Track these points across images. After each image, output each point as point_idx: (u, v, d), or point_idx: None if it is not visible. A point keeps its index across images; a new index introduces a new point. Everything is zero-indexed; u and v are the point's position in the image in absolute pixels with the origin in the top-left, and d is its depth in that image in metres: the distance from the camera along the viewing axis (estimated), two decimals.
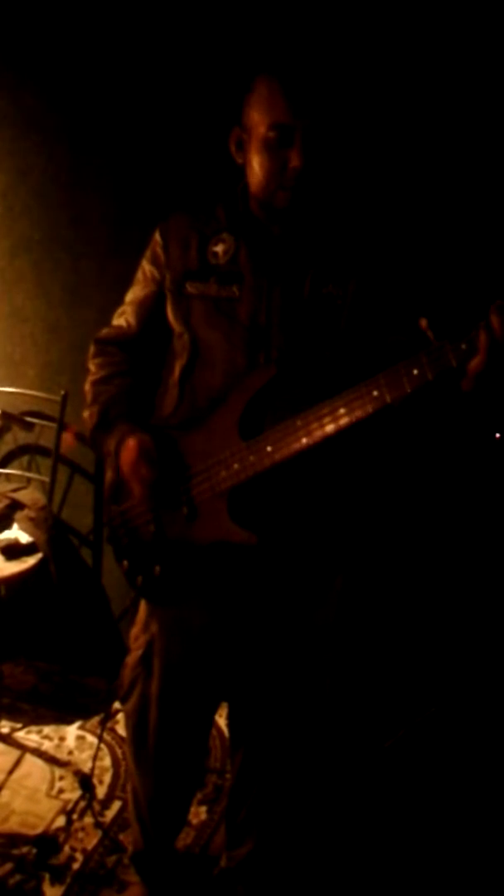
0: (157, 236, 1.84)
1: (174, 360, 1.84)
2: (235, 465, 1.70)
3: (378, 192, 2.48)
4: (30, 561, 2.68)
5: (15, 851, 2.32)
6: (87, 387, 1.92)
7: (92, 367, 1.93)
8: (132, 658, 1.96)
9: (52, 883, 2.24)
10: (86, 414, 1.90)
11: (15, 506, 2.85)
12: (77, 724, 2.83)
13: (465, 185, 2.45)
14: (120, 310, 1.95)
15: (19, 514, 2.82)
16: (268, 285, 1.74)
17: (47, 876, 2.26)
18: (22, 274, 3.00)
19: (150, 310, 1.87)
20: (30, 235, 2.96)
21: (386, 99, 2.44)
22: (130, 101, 2.72)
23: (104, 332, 1.96)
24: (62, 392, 2.86)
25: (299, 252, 1.74)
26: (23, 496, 2.90)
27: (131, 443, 1.75)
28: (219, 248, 1.77)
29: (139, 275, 1.90)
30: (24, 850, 2.33)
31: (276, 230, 1.74)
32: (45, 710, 2.90)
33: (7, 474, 3.08)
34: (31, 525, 2.78)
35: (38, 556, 2.69)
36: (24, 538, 2.72)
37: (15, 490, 2.93)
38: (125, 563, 1.86)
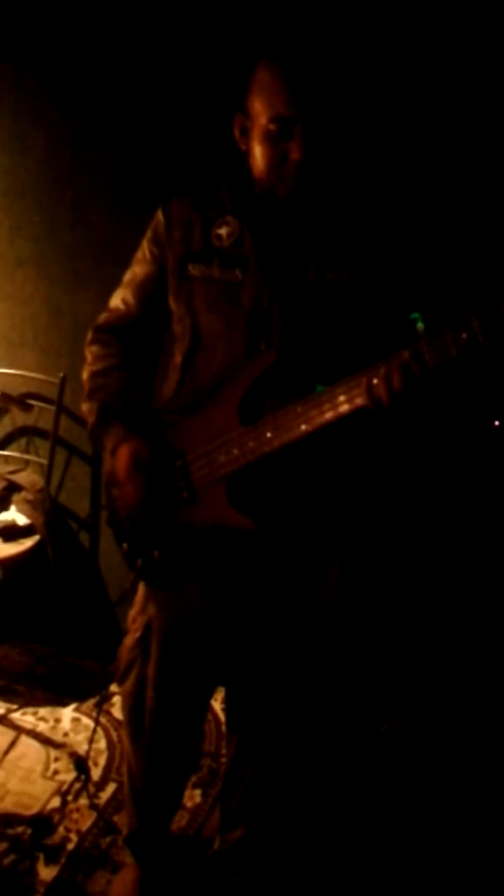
0: (160, 216, 1.82)
1: (174, 343, 1.83)
2: (235, 451, 1.70)
3: (380, 180, 2.47)
4: (27, 543, 2.69)
5: (10, 831, 2.33)
6: (85, 377, 1.90)
7: (89, 356, 1.91)
8: (129, 640, 1.96)
9: (47, 863, 2.25)
10: (84, 407, 1.89)
11: (13, 488, 2.86)
12: (73, 706, 2.84)
13: (465, 176, 2.44)
14: (118, 291, 1.92)
15: (17, 497, 2.82)
16: (272, 270, 1.73)
17: (42, 856, 2.27)
18: (22, 256, 2.99)
19: (151, 290, 1.85)
20: (30, 217, 2.95)
21: (387, 90, 2.42)
22: (132, 83, 2.70)
23: (103, 318, 1.93)
24: (61, 374, 2.86)
25: (303, 238, 1.73)
26: (21, 478, 2.90)
27: (124, 451, 1.76)
28: (223, 231, 1.75)
29: (139, 255, 1.87)
30: (19, 830, 2.34)
31: (280, 216, 1.73)
32: (40, 692, 2.90)
33: (5, 456, 3.07)
34: (29, 507, 2.79)
35: (36, 538, 2.70)
36: (22, 520, 2.73)
37: (13, 472, 2.93)
38: (125, 545, 1.86)
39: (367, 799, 2.43)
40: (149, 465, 1.75)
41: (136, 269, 1.88)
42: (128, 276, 1.90)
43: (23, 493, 2.83)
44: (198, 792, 2.52)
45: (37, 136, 2.86)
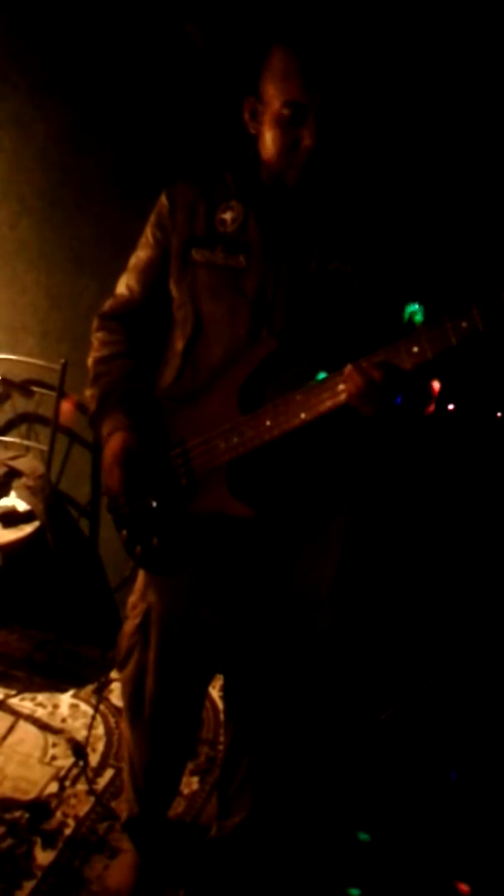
0: (164, 199, 1.81)
1: (176, 330, 1.82)
2: (235, 439, 1.70)
3: (385, 170, 2.46)
4: (27, 529, 2.68)
5: (7, 816, 2.34)
6: (90, 363, 1.90)
7: (95, 342, 1.91)
8: (129, 626, 1.96)
9: (44, 847, 2.26)
10: (87, 394, 1.89)
11: (13, 474, 2.85)
12: (71, 692, 2.85)
13: (467, 167, 2.43)
14: (123, 276, 1.91)
15: (17, 483, 2.82)
16: (276, 258, 1.71)
17: (39, 840, 2.28)
18: (23, 241, 2.98)
19: (155, 275, 1.83)
20: (31, 203, 2.94)
21: (394, 81, 2.41)
22: (137, 68, 2.68)
23: (108, 305, 1.93)
24: (62, 360, 2.85)
25: (308, 226, 1.72)
26: (21, 464, 2.89)
27: (113, 441, 1.77)
28: (227, 216, 1.74)
29: (143, 239, 1.86)
30: (17, 814, 2.35)
31: (287, 203, 1.71)
32: (39, 678, 2.91)
33: (6, 442, 3.07)
34: (29, 493, 2.78)
35: (36, 524, 2.69)
36: (22, 506, 2.72)
37: (13, 458, 2.93)
38: (124, 532, 1.85)
39: (366, 787, 2.43)
40: (138, 457, 1.75)
41: (140, 254, 1.87)
42: (132, 261, 1.89)
43: (23, 479, 2.83)
44: (195, 779, 2.52)
45: (39, 120, 2.85)
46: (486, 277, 1.50)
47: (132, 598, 1.98)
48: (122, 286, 1.90)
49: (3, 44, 2.82)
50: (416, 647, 2.68)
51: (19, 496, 2.77)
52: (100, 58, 2.72)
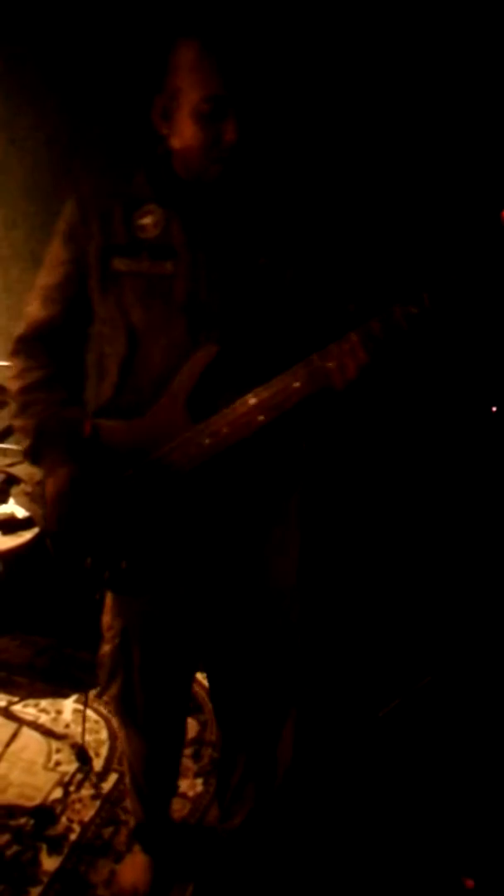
0: (73, 208, 1.67)
1: (105, 346, 1.70)
2: (192, 450, 1.63)
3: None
4: (26, 535, 2.69)
5: (12, 822, 2.34)
6: (14, 391, 1.77)
7: (15, 368, 1.77)
8: (108, 647, 1.93)
9: (50, 853, 2.26)
10: (17, 424, 1.78)
11: (11, 480, 2.86)
12: (73, 697, 2.85)
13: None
14: (33, 297, 1.77)
15: (16, 489, 2.82)
16: (204, 258, 1.63)
17: (45, 846, 2.28)
18: (17, 247, 2.98)
19: (72, 292, 1.71)
20: (25, 208, 2.94)
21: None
22: (129, 72, 2.68)
23: (24, 327, 1.78)
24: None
25: (233, 223, 1.64)
26: (19, 471, 2.90)
27: (58, 481, 1.67)
28: (147, 221, 1.63)
29: (53, 256, 1.72)
30: (22, 821, 2.35)
31: (209, 201, 1.62)
32: (41, 684, 2.91)
33: (3, 449, 3.07)
34: (28, 500, 2.79)
35: (35, 530, 2.70)
36: (21, 513, 2.73)
37: (11, 465, 2.93)
38: (88, 560, 1.75)
39: (365, 785, 2.43)
40: (81, 490, 1.66)
41: (52, 272, 1.73)
42: (43, 280, 1.75)
43: (21, 486, 2.84)
44: (199, 781, 2.53)
45: (32, 126, 2.85)
46: (432, 263, 1.51)
47: (106, 618, 1.94)
48: (37, 307, 1.76)
49: None
50: (413, 643, 2.68)
51: (18, 503, 2.77)
52: (95, 64, 2.72)
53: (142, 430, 1.67)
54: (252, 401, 1.60)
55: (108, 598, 1.93)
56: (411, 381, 2.49)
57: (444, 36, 2.31)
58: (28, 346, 1.77)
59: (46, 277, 1.74)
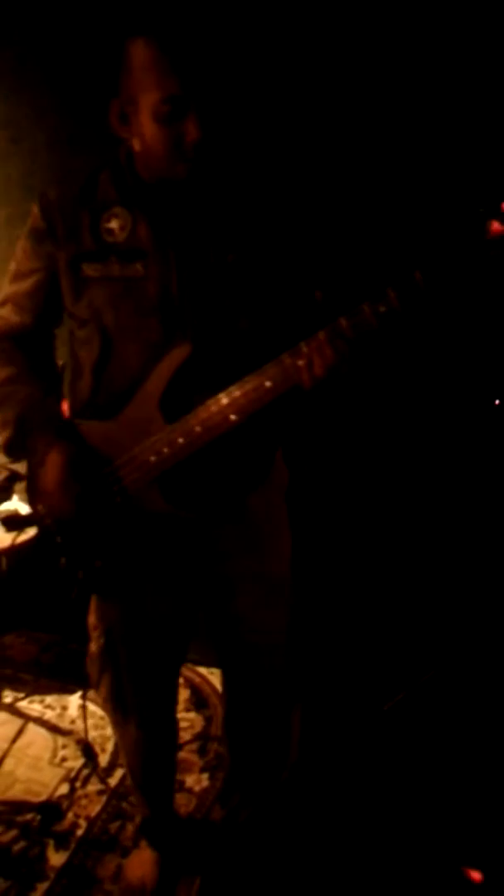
0: (39, 214, 1.68)
1: (80, 349, 1.72)
2: (165, 450, 1.63)
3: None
4: (30, 532, 2.68)
5: (19, 818, 2.35)
6: None
7: None
8: (95, 648, 1.94)
9: (57, 849, 2.27)
10: None
11: (14, 477, 2.86)
12: (79, 693, 2.85)
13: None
14: (4, 300, 1.77)
15: (19, 486, 2.82)
16: (174, 258, 1.62)
17: (51, 842, 2.29)
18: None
19: (43, 297, 1.73)
20: (26, 207, 2.92)
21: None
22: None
23: None
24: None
25: (200, 221, 1.63)
26: (22, 467, 2.89)
27: (54, 458, 1.67)
28: (114, 224, 1.63)
29: (22, 263, 1.73)
30: (29, 816, 2.35)
31: (175, 200, 1.61)
32: (46, 681, 2.91)
33: None
34: None
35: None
36: (24, 509, 2.73)
37: (14, 461, 2.93)
38: (62, 560, 1.77)
39: (370, 778, 2.44)
40: (80, 469, 1.67)
41: (22, 278, 1.74)
42: (13, 286, 1.75)
43: (25, 483, 2.83)
44: (205, 776, 2.53)
45: (32, 123, 2.85)
46: (398, 258, 1.50)
47: (91, 619, 1.94)
48: (8, 312, 1.77)
49: None
50: (417, 638, 2.68)
51: (21, 499, 2.77)
52: (94, 61, 2.71)
53: (117, 430, 1.67)
54: (224, 400, 1.60)
55: (93, 599, 1.93)
56: (414, 374, 2.49)
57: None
58: (1, 344, 1.78)
59: (17, 285, 1.75)
